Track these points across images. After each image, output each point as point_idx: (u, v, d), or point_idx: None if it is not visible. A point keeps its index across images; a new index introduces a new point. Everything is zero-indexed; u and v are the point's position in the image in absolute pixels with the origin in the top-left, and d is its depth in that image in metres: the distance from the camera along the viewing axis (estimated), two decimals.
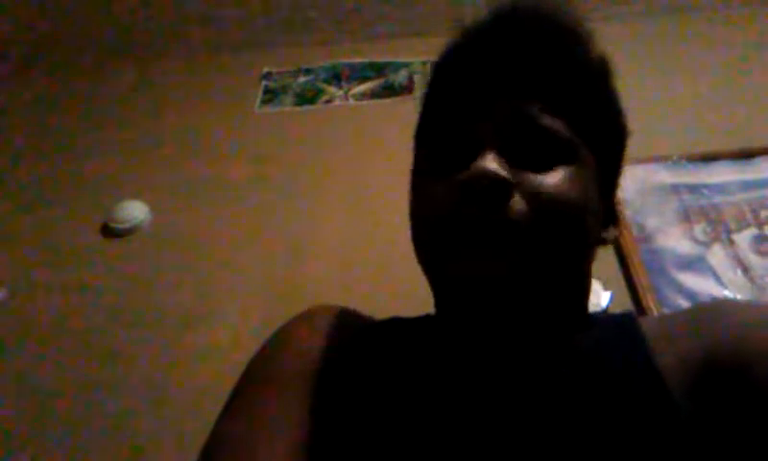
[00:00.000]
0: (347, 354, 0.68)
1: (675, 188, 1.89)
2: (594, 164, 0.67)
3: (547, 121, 0.63)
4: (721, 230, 1.79)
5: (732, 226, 1.80)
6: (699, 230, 1.79)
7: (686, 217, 1.82)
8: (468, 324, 0.65)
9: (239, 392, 0.68)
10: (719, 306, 0.66)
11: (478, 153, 0.61)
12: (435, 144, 0.67)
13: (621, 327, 0.67)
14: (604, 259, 1.70)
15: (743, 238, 1.77)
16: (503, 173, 0.58)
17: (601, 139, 0.69)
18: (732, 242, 1.76)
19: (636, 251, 1.73)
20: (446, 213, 0.61)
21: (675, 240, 1.77)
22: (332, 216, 1.97)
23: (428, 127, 0.70)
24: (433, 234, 0.62)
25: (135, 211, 2.01)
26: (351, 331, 0.72)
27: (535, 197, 0.59)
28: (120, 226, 1.99)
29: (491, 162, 0.59)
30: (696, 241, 1.77)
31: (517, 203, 0.59)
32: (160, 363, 1.68)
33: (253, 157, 2.20)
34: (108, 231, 2.00)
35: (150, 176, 2.18)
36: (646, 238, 1.78)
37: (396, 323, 0.74)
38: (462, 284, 0.60)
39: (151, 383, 1.64)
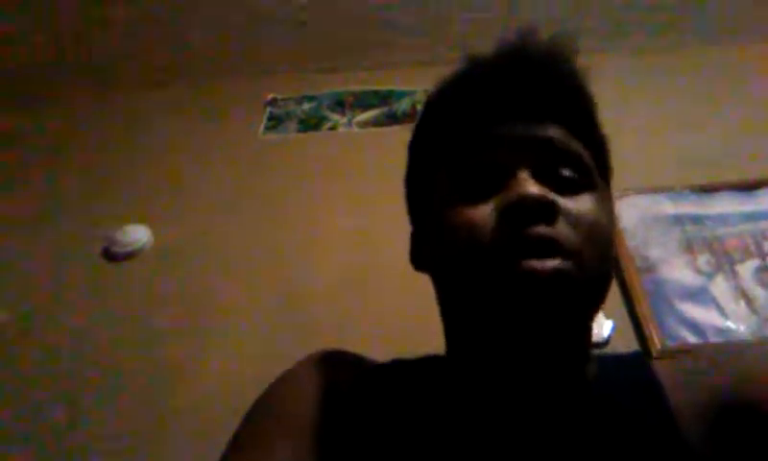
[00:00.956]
0: (352, 400, 0.67)
1: (678, 219, 1.89)
2: (605, 191, 0.67)
3: (575, 146, 0.64)
4: (724, 262, 1.78)
5: (736, 257, 1.79)
6: (702, 260, 1.79)
7: (689, 248, 1.82)
8: (495, 356, 0.63)
9: (244, 434, 0.67)
10: (735, 345, 0.67)
11: (511, 177, 0.60)
12: (461, 171, 0.65)
13: (632, 367, 0.67)
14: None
15: (746, 269, 1.76)
16: (550, 195, 0.58)
17: (604, 169, 0.70)
18: (735, 273, 1.75)
19: (638, 281, 1.73)
20: (491, 238, 0.58)
21: (678, 271, 1.77)
22: (335, 242, 1.97)
23: (444, 150, 0.68)
24: (477, 258, 0.59)
25: (137, 235, 2.01)
26: (357, 376, 0.70)
27: (576, 222, 0.59)
28: (121, 249, 1.99)
29: (533, 186, 0.58)
30: (699, 272, 1.77)
31: (563, 228, 0.58)
32: (162, 386, 1.67)
33: (257, 182, 2.20)
34: (110, 255, 2.00)
35: (152, 200, 2.18)
36: (649, 268, 1.77)
37: (400, 365, 0.73)
38: (522, 288, 0.56)
39: (152, 405, 1.63)
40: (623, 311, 1.69)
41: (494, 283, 0.57)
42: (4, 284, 1.96)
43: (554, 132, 0.64)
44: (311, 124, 2.42)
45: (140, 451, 1.55)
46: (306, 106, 2.49)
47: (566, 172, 0.62)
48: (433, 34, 2.36)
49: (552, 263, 0.55)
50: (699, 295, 1.71)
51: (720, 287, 1.73)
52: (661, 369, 0.66)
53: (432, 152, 0.71)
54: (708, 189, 1.94)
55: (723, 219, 1.88)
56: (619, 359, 0.73)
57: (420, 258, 0.75)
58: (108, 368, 1.72)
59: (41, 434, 1.60)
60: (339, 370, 0.71)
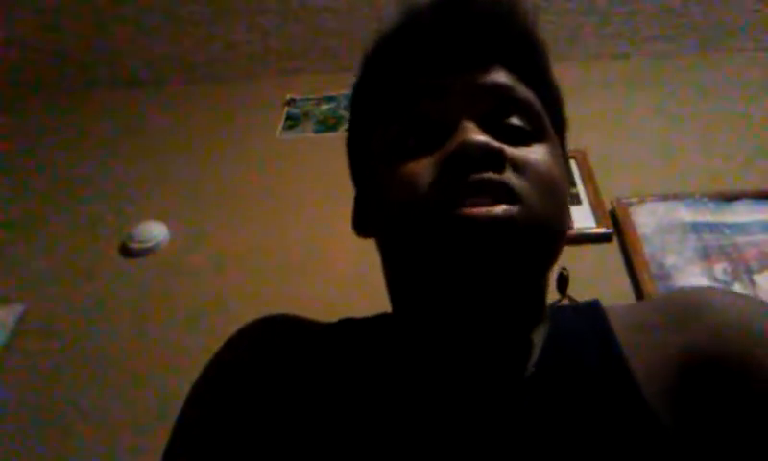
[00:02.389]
0: (298, 361, 0.65)
1: (695, 227, 1.87)
2: (558, 143, 0.63)
3: (524, 92, 0.60)
4: (742, 271, 1.76)
5: (754, 266, 1.77)
6: (719, 269, 1.77)
7: (706, 256, 1.80)
8: (436, 314, 0.59)
9: (188, 415, 0.67)
10: (699, 298, 0.61)
11: (456, 126, 0.56)
12: (401, 125, 0.60)
13: (587, 319, 0.64)
14: (621, 297, 1.69)
15: (765, 279, 1.74)
16: (495, 143, 0.54)
17: (556, 120, 0.66)
18: (753, 283, 1.73)
19: (654, 289, 1.71)
20: (434, 188, 0.54)
21: (694, 279, 1.75)
22: (351, 242, 1.97)
23: (384, 105, 0.64)
24: (418, 211, 0.54)
25: (154, 231, 2.02)
26: (303, 337, 0.69)
27: (525, 171, 0.55)
28: (138, 245, 2.00)
29: (478, 134, 0.54)
30: (716, 281, 1.75)
31: (510, 174, 0.54)
32: (178, 383, 1.67)
33: (273, 181, 2.21)
34: (127, 251, 2.02)
35: (169, 197, 2.20)
36: (665, 276, 1.76)
37: (349, 324, 0.71)
38: (460, 235, 0.51)
39: (167, 401, 1.63)
40: None
41: (432, 233, 0.53)
42: (21, 278, 1.99)
43: (500, 77, 0.60)
44: (329, 124, 2.42)
45: (155, 447, 1.56)
46: (324, 106, 2.50)
47: (515, 120, 0.59)
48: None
49: (499, 208, 0.51)
50: None
51: None
52: (619, 315, 0.63)
53: (371, 108, 0.67)
54: (726, 197, 1.92)
55: (741, 228, 1.86)
56: (573, 308, 0.69)
57: (362, 223, 0.73)
58: (122, 363, 1.74)
59: (56, 428, 1.62)
60: (283, 333, 0.69)
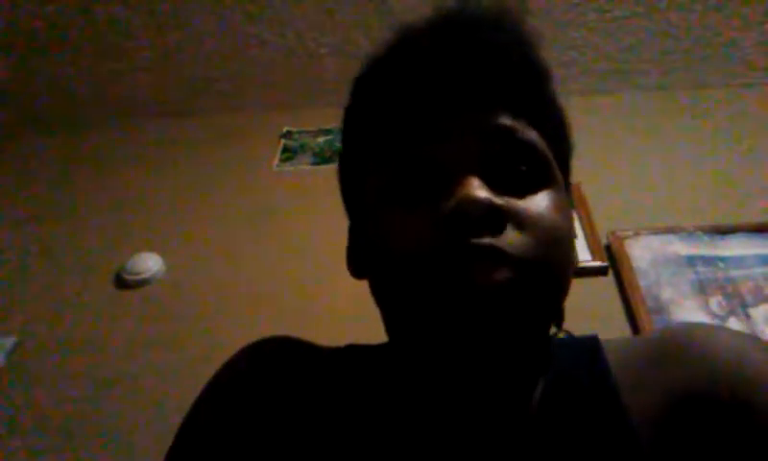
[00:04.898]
0: (302, 384, 0.64)
1: (690, 260, 1.87)
2: (563, 184, 0.60)
3: (528, 135, 0.56)
4: (737, 304, 1.76)
5: (749, 300, 1.77)
6: (714, 303, 1.77)
7: (702, 290, 1.80)
8: (439, 368, 0.57)
9: (184, 438, 0.66)
10: (691, 334, 0.60)
11: (455, 177, 0.52)
12: (395, 167, 0.56)
13: (585, 355, 0.63)
14: (617, 330, 1.69)
15: (760, 313, 1.74)
16: (497, 201, 0.50)
17: (563, 155, 0.62)
18: (748, 316, 1.73)
19: (649, 322, 1.71)
20: (431, 249, 0.50)
21: (690, 313, 1.75)
22: (347, 275, 1.96)
23: (378, 141, 0.59)
24: (414, 271, 0.51)
25: (149, 263, 2.02)
26: (306, 361, 0.68)
27: (528, 227, 0.51)
28: (133, 277, 2.00)
29: (478, 189, 0.50)
30: (711, 314, 1.75)
31: (512, 235, 0.51)
32: (172, 415, 1.66)
33: (270, 214, 2.21)
34: (122, 283, 2.01)
35: (165, 229, 2.20)
36: (660, 310, 1.76)
37: (355, 350, 0.70)
38: (462, 304, 0.49)
39: (162, 433, 1.62)
40: None
41: (433, 299, 0.50)
42: (12, 310, 1.98)
43: (504, 119, 0.55)
44: (325, 157, 2.43)
45: None
46: (321, 139, 2.51)
47: (521, 164, 0.55)
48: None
49: (495, 274, 0.48)
50: None
51: None
52: (614, 350, 0.62)
53: (364, 139, 0.63)
54: (721, 231, 1.93)
55: (736, 261, 1.86)
56: (571, 342, 0.66)
57: (356, 263, 0.69)
58: (117, 395, 1.72)
59: (51, 458, 1.60)
60: (288, 355, 0.68)
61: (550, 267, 0.52)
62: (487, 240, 0.49)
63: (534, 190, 0.54)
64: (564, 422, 0.57)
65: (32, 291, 2.03)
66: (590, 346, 0.64)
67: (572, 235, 0.58)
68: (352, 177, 0.67)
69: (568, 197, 0.60)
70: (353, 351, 0.70)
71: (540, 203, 0.54)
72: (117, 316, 1.93)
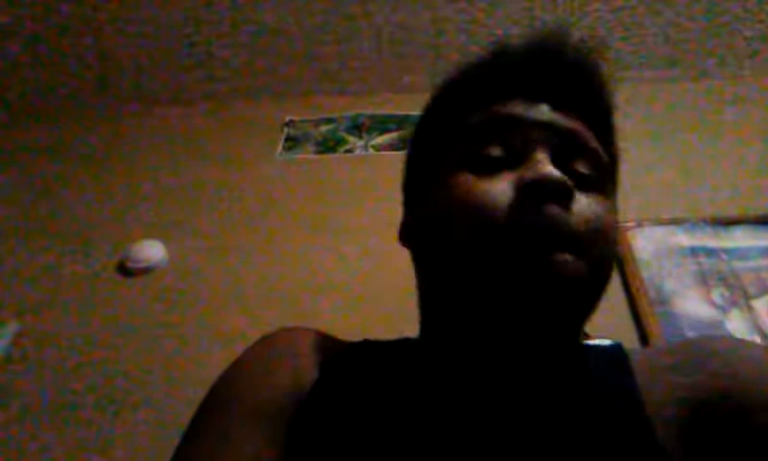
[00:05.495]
0: (318, 381, 0.65)
1: (693, 251, 1.87)
2: (615, 199, 0.66)
3: (595, 144, 0.63)
4: (739, 296, 1.76)
5: (751, 291, 1.77)
6: (717, 294, 1.77)
7: (704, 281, 1.80)
8: (477, 343, 0.60)
9: (202, 417, 0.66)
10: (712, 343, 0.63)
11: (535, 157, 0.58)
12: (476, 146, 0.62)
13: (610, 361, 0.65)
14: (620, 321, 1.69)
15: (762, 304, 1.74)
16: (569, 181, 0.56)
17: (614, 175, 0.68)
18: (750, 308, 1.74)
19: (652, 313, 1.71)
20: (505, 210, 0.55)
21: (692, 304, 1.75)
22: (349, 263, 1.97)
23: (463, 131, 0.65)
24: (487, 231, 0.55)
25: (152, 251, 2.02)
26: (323, 355, 0.68)
27: (588, 219, 0.57)
28: (136, 265, 2.00)
29: (553, 168, 0.56)
30: (714, 305, 1.75)
31: (576, 214, 0.56)
32: (175, 401, 1.67)
33: (272, 202, 2.22)
34: (124, 271, 2.02)
35: (167, 217, 2.20)
36: (663, 301, 1.76)
37: (370, 346, 0.71)
38: (535, 279, 0.53)
39: (165, 420, 1.62)
40: (637, 344, 1.67)
41: (505, 267, 0.54)
42: (17, 296, 1.98)
43: (577, 124, 0.62)
44: (328, 146, 2.43)
45: None
46: (323, 128, 2.51)
47: (583, 168, 0.61)
48: (450, 59, 2.37)
49: (566, 258, 0.53)
50: (713, 329, 1.69)
51: (735, 321, 1.71)
52: (639, 359, 0.64)
53: (449, 127, 0.67)
54: (723, 222, 1.93)
55: (739, 253, 1.86)
56: (599, 348, 0.69)
57: (412, 231, 0.71)
58: (121, 382, 1.72)
59: (52, 447, 1.60)
60: (302, 350, 0.69)
61: (602, 262, 0.58)
62: (557, 209, 0.55)
63: (592, 192, 0.60)
64: (590, 429, 0.58)
65: (35, 279, 2.03)
66: (616, 354, 0.66)
67: (616, 243, 0.63)
68: (427, 161, 0.70)
69: (616, 211, 0.65)
70: (372, 346, 0.71)
71: (595, 201, 0.59)
72: (120, 303, 1.93)
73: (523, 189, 0.55)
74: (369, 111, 2.52)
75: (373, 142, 2.40)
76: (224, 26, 2.35)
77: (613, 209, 0.63)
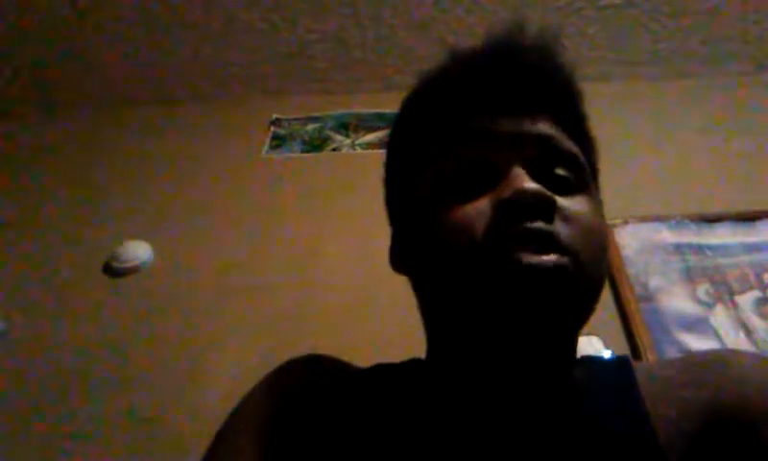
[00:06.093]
0: (334, 408, 0.66)
1: (678, 248, 1.89)
2: (597, 194, 0.65)
3: (569, 144, 0.62)
4: (724, 292, 1.78)
5: (736, 288, 1.79)
6: (702, 290, 1.79)
7: (689, 278, 1.82)
8: (480, 357, 0.60)
9: (221, 441, 0.66)
10: (719, 357, 0.63)
11: (509, 173, 0.57)
12: (451, 168, 0.61)
13: (616, 373, 0.65)
14: (605, 318, 1.70)
15: (746, 300, 1.76)
16: (547, 192, 0.55)
17: (593, 167, 0.67)
18: (735, 304, 1.75)
19: (637, 310, 1.72)
20: (488, 230, 0.55)
21: (677, 300, 1.77)
22: (336, 262, 1.97)
23: (433, 146, 0.64)
24: (472, 252, 0.55)
25: (138, 251, 2.01)
26: (338, 382, 0.69)
27: (572, 222, 0.56)
28: (122, 265, 1.99)
29: (530, 182, 0.55)
30: (699, 302, 1.76)
31: (560, 224, 0.55)
32: (162, 401, 1.66)
33: (259, 201, 2.21)
34: (110, 270, 2.01)
35: (153, 216, 2.19)
36: (648, 297, 1.77)
37: (382, 370, 0.71)
38: (520, 282, 0.52)
39: (152, 420, 1.62)
40: (622, 340, 1.68)
41: (490, 278, 0.53)
42: (2, 296, 1.96)
43: (549, 128, 0.61)
44: (315, 145, 2.43)
45: None
46: (310, 127, 2.51)
47: (561, 171, 0.60)
48: (438, 57, 2.38)
49: (551, 258, 0.52)
50: (698, 325, 1.71)
51: (720, 318, 1.73)
52: (645, 372, 0.64)
53: (417, 149, 0.67)
54: (707, 219, 1.95)
55: (723, 249, 1.88)
56: (603, 362, 0.70)
57: (401, 259, 0.72)
58: (108, 382, 1.72)
59: (40, 445, 1.59)
60: (318, 377, 0.70)
61: (592, 261, 0.56)
62: (539, 224, 0.54)
63: (573, 193, 0.60)
64: (596, 443, 0.58)
65: (21, 279, 2.02)
66: (622, 368, 0.66)
67: (607, 240, 0.62)
68: (403, 185, 0.69)
69: (601, 206, 0.65)
70: (383, 370, 0.72)
71: (580, 203, 0.59)
72: (106, 304, 1.92)
73: (501, 209, 0.55)
74: (355, 110, 2.52)
75: (360, 141, 2.40)
76: (210, 25, 2.34)
77: (598, 206, 0.63)
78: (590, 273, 0.56)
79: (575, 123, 0.65)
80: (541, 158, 0.60)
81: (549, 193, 0.55)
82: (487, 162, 0.59)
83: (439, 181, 0.61)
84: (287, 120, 2.53)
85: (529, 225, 0.53)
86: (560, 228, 0.55)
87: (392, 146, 0.74)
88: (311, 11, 2.30)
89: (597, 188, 0.68)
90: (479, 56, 0.65)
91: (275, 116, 2.54)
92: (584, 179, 0.62)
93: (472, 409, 0.61)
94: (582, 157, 0.63)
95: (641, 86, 2.52)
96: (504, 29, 0.65)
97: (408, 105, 0.72)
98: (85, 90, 2.59)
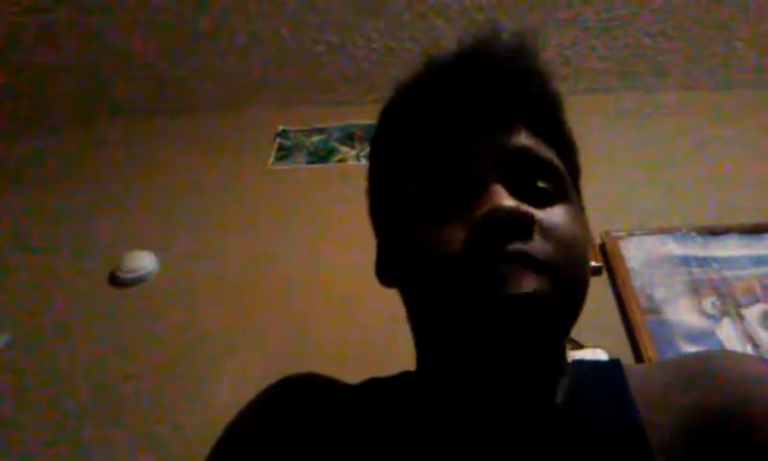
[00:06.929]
0: (325, 423, 0.66)
1: (684, 260, 1.88)
2: (578, 202, 0.65)
3: (548, 154, 0.61)
4: (730, 305, 1.77)
5: (742, 300, 1.78)
6: (708, 303, 1.78)
7: (695, 290, 1.81)
8: (464, 375, 0.60)
9: (215, 457, 0.66)
10: (712, 359, 0.62)
11: (485, 190, 0.57)
12: (429, 185, 0.61)
13: (606, 377, 0.64)
14: (611, 330, 1.69)
15: (752, 313, 1.75)
16: (524, 207, 0.54)
17: (573, 175, 0.67)
18: (741, 317, 1.74)
19: (643, 322, 1.72)
20: (466, 252, 0.54)
21: (683, 313, 1.76)
22: (342, 273, 1.97)
23: (411, 162, 0.64)
24: (451, 274, 0.54)
25: (143, 262, 2.01)
26: (330, 397, 0.69)
27: (551, 235, 0.56)
28: (128, 275, 1.99)
29: (507, 198, 0.55)
30: (705, 315, 1.76)
31: (538, 240, 0.55)
32: (167, 412, 1.66)
33: (264, 212, 2.21)
34: (116, 281, 2.01)
35: (159, 227, 2.19)
36: (654, 310, 1.77)
37: (373, 385, 0.71)
38: (495, 309, 0.52)
39: (157, 432, 1.61)
40: (628, 352, 1.67)
41: (468, 301, 0.53)
42: (7, 307, 1.97)
43: (526, 140, 0.61)
44: (320, 156, 2.43)
45: None
46: (316, 138, 2.51)
47: (540, 183, 0.60)
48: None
49: (529, 283, 0.52)
50: (705, 338, 1.70)
51: (726, 331, 1.72)
52: (637, 375, 0.64)
53: (396, 162, 0.67)
54: (714, 231, 1.94)
55: (729, 262, 1.87)
56: (594, 365, 0.69)
57: (387, 273, 0.73)
58: (113, 393, 1.71)
59: (45, 455, 1.59)
60: (309, 394, 0.70)
61: (571, 274, 0.56)
62: (517, 245, 0.53)
63: (552, 203, 0.59)
64: (585, 447, 0.58)
65: (26, 290, 2.03)
66: (613, 370, 0.66)
67: (588, 248, 0.62)
68: (384, 198, 0.70)
69: (582, 212, 0.65)
70: (373, 385, 0.72)
71: (558, 213, 0.58)
72: (112, 314, 1.93)
73: (478, 227, 0.54)
74: (361, 122, 2.52)
75: (366, 152, 2.40)
76: (217, 36, 2.35)
77: (578, 213, 0.62)
78: (569, 287, 0.56)
79: (552, 129, 0.64)
80: (519, 171, 0.59)
81: (525, 209, 0.55)
82: (466, 176, 0.59)
83: (419, 195, 0.61)
84: (293, 131, 2.54)
85: (507, 247, 0.53)
86: (538, 245, 0.54)
87: (372, 158, 0.74)
88: (318, 22, 2.31)
89: (579, 193, 0.68)
90: (452, 65, 0.64)
91: (280, 128, 2.54)
92: (563, 187, 0.61)
93: (460, 421, 0.61)
94: (561, 166, 0.62)
95: (647, 98, 2.52)
96: (478, 35, 0.64)
97: (385, 116, 0.71)
98: (92, 101, 2.61)
